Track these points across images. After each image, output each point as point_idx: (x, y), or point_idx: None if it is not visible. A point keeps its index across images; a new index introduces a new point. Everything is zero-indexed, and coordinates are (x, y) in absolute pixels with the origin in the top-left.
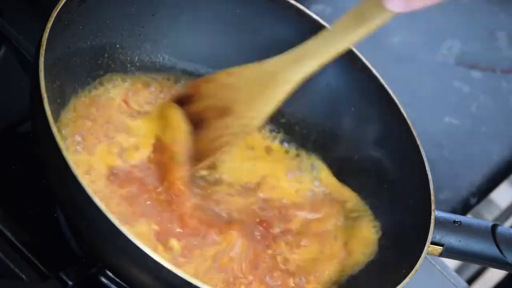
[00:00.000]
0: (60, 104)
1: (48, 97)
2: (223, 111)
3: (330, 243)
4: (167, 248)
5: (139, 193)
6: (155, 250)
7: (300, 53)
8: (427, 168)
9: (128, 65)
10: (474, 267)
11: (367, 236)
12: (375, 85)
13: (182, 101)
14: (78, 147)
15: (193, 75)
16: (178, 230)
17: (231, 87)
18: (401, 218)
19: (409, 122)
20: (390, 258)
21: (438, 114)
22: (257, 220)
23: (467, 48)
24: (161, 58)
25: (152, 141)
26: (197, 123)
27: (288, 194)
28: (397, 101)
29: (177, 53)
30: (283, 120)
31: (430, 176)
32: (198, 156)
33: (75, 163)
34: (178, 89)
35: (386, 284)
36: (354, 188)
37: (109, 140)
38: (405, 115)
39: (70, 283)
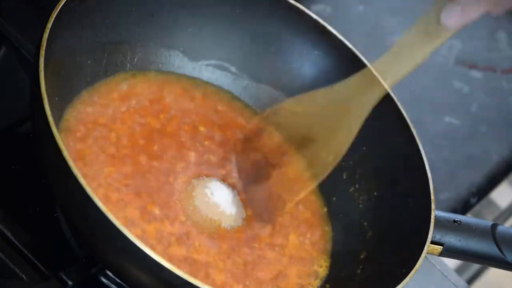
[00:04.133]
0: (60, 104)
1: (48, 97)
2: (303, 142)
3: None
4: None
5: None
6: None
7: (369, 76)
8: (427, 168)
9: (128, 65)
10: (474, 267)
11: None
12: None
13: (252, 139)
14: None
15: (193, 74)
16: None
17: (303, 115)
18: (401, 218)
19: (409, 122)
20: (390, 258)
21: (438, 114)
22: None
23: (467, 48)
24: (161, 58)
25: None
26: (273, 159)
27: None
28: (397, 101)
29: (177, 53)
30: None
31: (430, 176)
32: (285, 193)
33: None
34: (248, 124)
35: (386, 284)
36: (354, 188)
37: None
38: (405, 115)
39: (70, 283)
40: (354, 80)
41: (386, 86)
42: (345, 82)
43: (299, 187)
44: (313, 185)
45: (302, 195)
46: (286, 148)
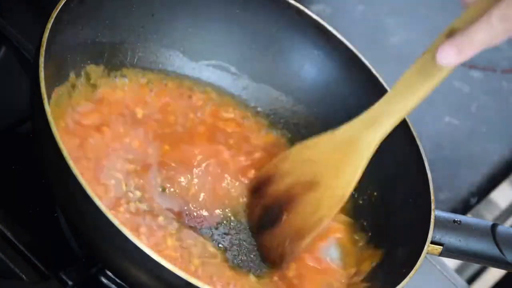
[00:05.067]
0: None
1: (48, 97)
2: (309, 186)
3: None
4: None
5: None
6: None
7: (372, 116)
8: (427, 168)
9: (128, 65)
10: (474, 267)
11: None
12: (375, 85)
13: (262, 185)
14: None
15: (193, 74)
16: None
17: (309, 161)
18: (401, 218)
19: (409, 122)
20: (390, 258)
21: (438, 114)
22: None
23: None
24: (161, 58)
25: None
26: (284, 204)
27: None
28: None
29: (177, 53)
30: (282, 120)
31: (430, 176)
32: (296, 236)
33: None
34: (256, 173)
35: (386, 284)
36: (354, 189)
37: None
38: None
39: (70, 283)
40: (357, 121)
41: (389, 126)
42: (349, 124)
43: (306, 231)
44: (320, 227)
45: (308, 239)
46: (294, 192)
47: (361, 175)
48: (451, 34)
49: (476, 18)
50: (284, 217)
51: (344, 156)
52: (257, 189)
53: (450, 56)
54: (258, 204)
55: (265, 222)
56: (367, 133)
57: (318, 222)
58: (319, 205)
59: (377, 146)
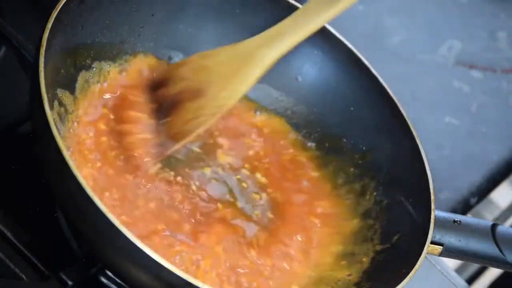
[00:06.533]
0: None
1: (48, 97)
2: (198, 93)
3: None
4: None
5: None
6: None
7: (274, 32)
8: (427, 168)
9: (128, 65)
10: (474, 267)
11: None
12: (375, 85)
13: (157, 86)
14: None
15: None
16: None
17: (205, 69)
18: (401, 218)
19: (409, 122)
20: (390, 258)
21: (438, 114)
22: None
23: (467, 48)
24: (161, 58)
25: None
26: (171, 107)
27: None
28: (397, 101)
29: (177, 53)
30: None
31: (430, 176)
32: (172, 139)
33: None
34: (154, 74)
35: (386, 284)
36: (353, 189)
37: None
38: (405, 115)
39: (70, 283)
40: (260, 36)
41: (289, 43)
42: (252, 39)
43: (181, 135)
44: (193, 135)
45: (180, 145)
46: (181, 97)
47: (247, 90)
48: None
49: None
50: (168, 119)
51: (237, 68)
52: (154, 88)
53: None
54: (153, 101)
55: (156, 118)
56: (266, 48)
57: (193, 129)
58: (200, 112)
59: (273, 62)
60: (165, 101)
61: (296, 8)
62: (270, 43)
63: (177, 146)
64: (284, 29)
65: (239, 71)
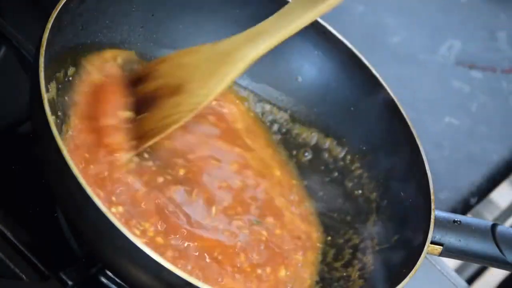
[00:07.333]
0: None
1: (48, 97)
2: (176, 90)
3: None
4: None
5: None
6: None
7: (255, 32)
8: (427, 168)
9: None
10: (474, 267)
11: None
12: (375, 85)
13: (136, 81)
14: None
15: None
16: None
17: (185, 67)
18: (401, 218)
19: (409, 122)
20: (390, 258)
21: (438, 114)
22: None
23: (467, 48)
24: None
25: None
26: (149, 102)
27: None
28: (397, 101)
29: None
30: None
31: (430, 176)
32: (146, 135)
33: None
34: (133, 69)
35: (386, 284)
36: (354, 189)
37: None
38: (405, 115)
39: (70, 283)
40: (241, 35)
41: (269, 44)
42: (233, 37)
43: (154, 132)
44: (166, 132)
45: (152, 142)
46: (159, 94)
47: (225, 88)
48: None
49: None
50: (145, 114)
51: (216, 67)
52: (133, 83)
53: None
54: (131, 96)
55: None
56: (246, 47)
57: (169, 125)
58: (177, 109)
59: (252, 61)
60: (144, 96)
61: None
62: (250, 43)
63: (152, 142)
64: (265, 29)
65: (218, 70)
